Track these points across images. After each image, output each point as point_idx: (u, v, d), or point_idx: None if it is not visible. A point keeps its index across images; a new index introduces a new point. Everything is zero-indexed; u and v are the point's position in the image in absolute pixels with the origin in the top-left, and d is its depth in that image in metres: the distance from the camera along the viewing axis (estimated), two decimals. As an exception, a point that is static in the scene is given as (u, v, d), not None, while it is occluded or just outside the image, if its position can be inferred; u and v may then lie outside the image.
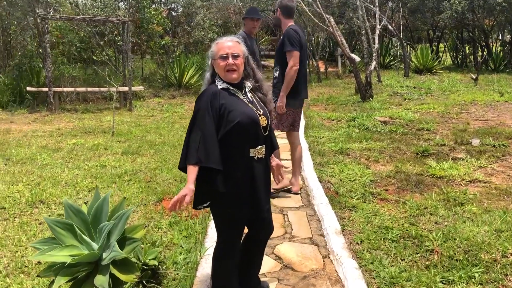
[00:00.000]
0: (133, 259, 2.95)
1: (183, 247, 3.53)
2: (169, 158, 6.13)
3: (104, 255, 2.65)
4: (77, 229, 2.60)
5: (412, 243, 3.60)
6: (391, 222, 3.95)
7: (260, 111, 2.54)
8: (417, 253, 3.43)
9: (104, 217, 2.76)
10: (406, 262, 3.31)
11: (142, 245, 3.11)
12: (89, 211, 2.80)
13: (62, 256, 2.55)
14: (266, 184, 2.65)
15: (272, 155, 2.79)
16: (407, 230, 3.80)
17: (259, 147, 2.52)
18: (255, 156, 2.51)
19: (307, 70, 4.56)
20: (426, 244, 3.52)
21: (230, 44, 2.50)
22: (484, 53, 18.81)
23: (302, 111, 5.97)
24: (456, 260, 3.28)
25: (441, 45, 22.64)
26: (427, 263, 3.29)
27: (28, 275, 3.17)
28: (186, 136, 2.47)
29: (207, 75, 2.60)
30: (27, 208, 4.31)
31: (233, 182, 2.47)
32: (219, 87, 2.51)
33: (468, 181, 4.98)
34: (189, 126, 2.48)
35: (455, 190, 4.69)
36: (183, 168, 2.46)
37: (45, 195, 4.60)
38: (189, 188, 2.36)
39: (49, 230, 2.90)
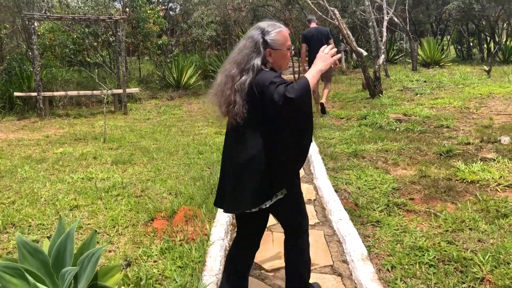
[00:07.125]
0: (111, 306, 2.31)
1: (176, 282, 2.89)
2: (164, 167, 5.49)
3: (70, 308, 2.02)
4: (29, 277, 1.97)
5: (455, 269, 2.96)
6: (425, 241, 3.32)
7: None
8: (464, 283, 2.79)
9: (69, 258, 2.13)
10: (451, 295, 2.68)
11: (123, 287, 2.48)
12: (50, 250, 2.17)
13: (11, 315, 1.93)
14: None
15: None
16: (445, 251, 3.17)
17: None
18: None
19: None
20: (473, 270, 2.89)
21: None
22: (491, 44, 18.09)
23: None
24: (515, 292, 2.65)
25: (444, 38, 21.86)
26: (478, 296, 2.66)
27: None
28: None
29: (257, 62, 2.18)
30: (-5, 233, 3.69)
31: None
32: None
33: (505, 186, 4.33)
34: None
35: (493, 198, 4.04)
36: None
37: (18, 217, 3.96)
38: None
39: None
